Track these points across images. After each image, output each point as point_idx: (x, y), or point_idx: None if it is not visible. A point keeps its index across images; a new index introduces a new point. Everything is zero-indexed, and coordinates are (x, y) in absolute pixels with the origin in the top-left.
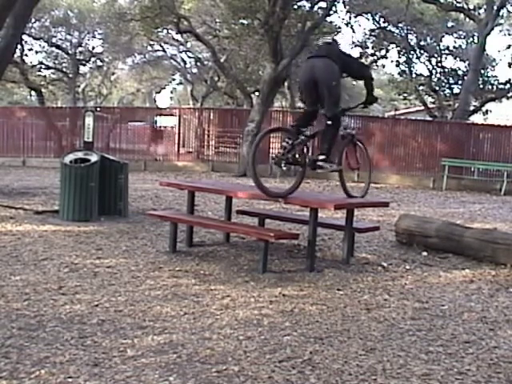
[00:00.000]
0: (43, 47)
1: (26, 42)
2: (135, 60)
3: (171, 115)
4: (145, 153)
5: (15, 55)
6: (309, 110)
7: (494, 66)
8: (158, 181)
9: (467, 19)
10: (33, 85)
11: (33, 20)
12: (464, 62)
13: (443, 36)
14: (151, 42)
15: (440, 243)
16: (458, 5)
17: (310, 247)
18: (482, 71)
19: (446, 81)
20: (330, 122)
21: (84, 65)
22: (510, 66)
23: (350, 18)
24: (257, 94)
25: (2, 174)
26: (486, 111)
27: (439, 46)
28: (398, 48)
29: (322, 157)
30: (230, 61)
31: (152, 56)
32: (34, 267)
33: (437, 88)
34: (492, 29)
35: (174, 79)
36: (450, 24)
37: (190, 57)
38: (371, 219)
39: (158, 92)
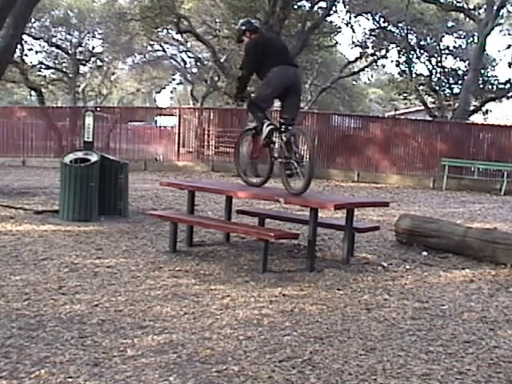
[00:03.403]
0: (43, 47)
1: (26, 41)
2: (135, 60)
3: (171, 115)
4: (145, 152)
5: (15, 55)
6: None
7: (494, 66)
8: (158, 181)
9: (467, 19)
10: (33, 85)
11: (33, 20)
12: (464, 61)
13: (443, 36)
14: (151, 42)
15: (440, 243)
16: (458, 5)
17: (310, 247)
18: (482, 71)
19: (445, 81)
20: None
21: (84, 65)
22: (510, 66)
23: (350, 17)
24: None
25: (2, 174)
26: (486, 111)
27: (439, 45)
28: (398, 48)
29: None
30: (230, 61)
31: (152, 56)
32: (34, 267)
33: (437, 88)
34: (492, 29)
35: (174, 79)
36: (450, 24)
37: (190, 57)
38: (371, 219)
39: (158, 92)
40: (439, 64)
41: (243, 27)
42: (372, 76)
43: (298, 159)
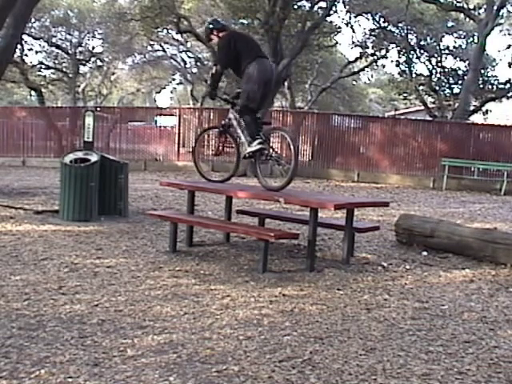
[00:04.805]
0: (43, 47)
1: (26, 41)
2: (135, 60)
3: (171, 115)
4: (145, 152)
5: (15, 55)
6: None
7: (494, 66)
8: (158, 181)
9: (467, 19)
10: (33, 85)
11: (33, 20)
12: (464, 61)
13: (443, 36)
14: (151, 42)
15: (440, 243)
16: (458, 5)
17: (310, 247)
18: (482, 71)
19: (445, 81)
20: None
21: (84, 65)
22: (510, 66)
23: (349, 17)
24: None
25: (2, 174)
26: (486, 111)
27: (439, 45)
28: (398, 48)
29: None
30: None
31: (152, 56)
32: (33, 267)
33: (437, 88)
34: (492, 29)
35: (174, 79)
36: (450, 24)
37: (190, 57)
38: (371, 219)
39: (158, 92)
40: (439, 64)
41: (210, 26)
42: (372, 76)
43: (276, 157)
